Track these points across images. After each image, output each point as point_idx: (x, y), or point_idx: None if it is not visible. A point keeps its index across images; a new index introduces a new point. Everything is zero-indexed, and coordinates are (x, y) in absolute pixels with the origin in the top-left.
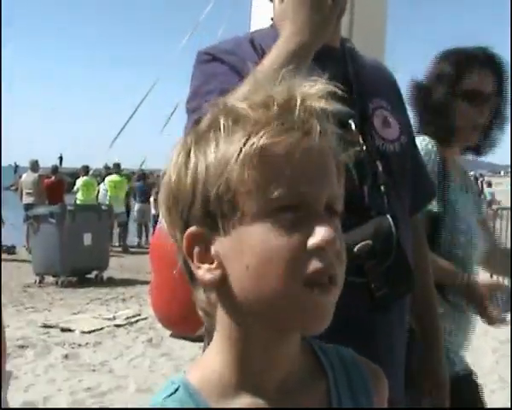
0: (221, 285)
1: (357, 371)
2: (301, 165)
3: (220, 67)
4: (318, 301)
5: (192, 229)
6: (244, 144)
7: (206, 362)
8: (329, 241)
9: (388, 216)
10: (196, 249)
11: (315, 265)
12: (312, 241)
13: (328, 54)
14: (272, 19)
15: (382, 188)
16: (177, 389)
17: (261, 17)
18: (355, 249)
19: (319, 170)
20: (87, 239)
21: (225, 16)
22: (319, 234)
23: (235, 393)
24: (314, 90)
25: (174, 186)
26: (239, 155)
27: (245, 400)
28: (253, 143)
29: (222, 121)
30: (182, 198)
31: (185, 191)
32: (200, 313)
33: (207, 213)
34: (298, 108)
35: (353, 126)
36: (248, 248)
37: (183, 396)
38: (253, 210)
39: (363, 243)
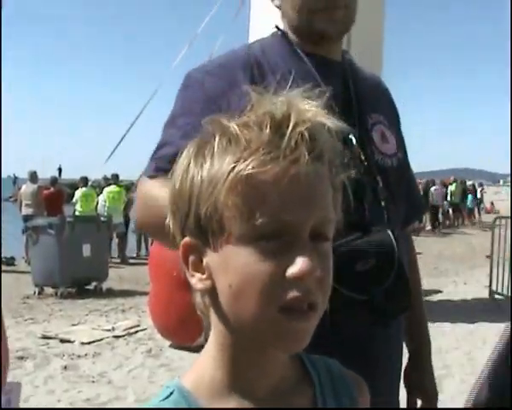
0: (212, 293)
1: (343, 381)
2: (286, 193)
3: (200, 96)
4: (295, 326)
5: (187, 239)
6: (232, 170)
7: (200, 365)
8: (308, 272)
9: (389, 232)
10: (191, 258)
11: (293, 293)
12: (291, 271)
13: (329, 67)
14: (277, 26)
15: (383, 203)
16: (171, 393)
17: (260, 27)
18: (357, 267)
19: (305, 198)
20: (86, 250)
21: (224, 27)
22: (298, 264)
23: (226, 394)
24: (312, 108)
25: (176, 193)
26: (225, 180)
27: (236, 401)
28: (240, 171)
29: (217, 140)
30: (181, 207)
31: (184, 201)
32: (199, 313)
33: (200, 227)
34: (289, 132)
35: (354, 142)
36: (232, 267)
37: (177, 398)
38: (238, 233)
39: (364, 260)
